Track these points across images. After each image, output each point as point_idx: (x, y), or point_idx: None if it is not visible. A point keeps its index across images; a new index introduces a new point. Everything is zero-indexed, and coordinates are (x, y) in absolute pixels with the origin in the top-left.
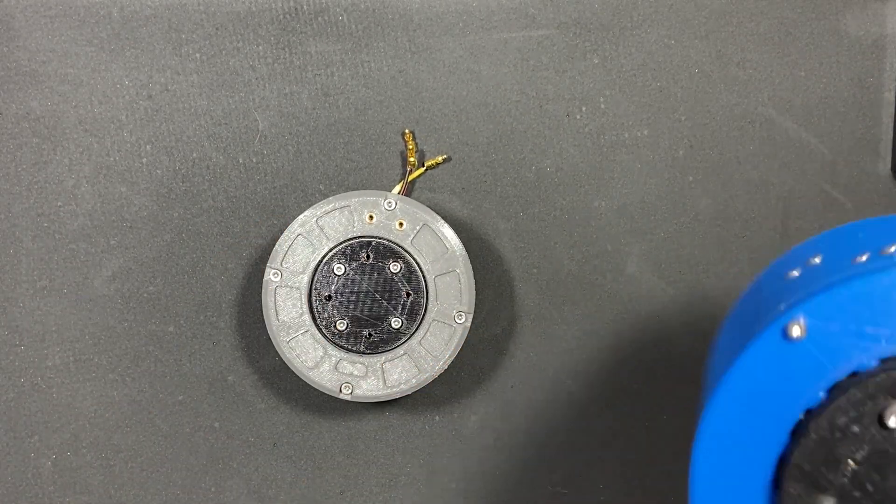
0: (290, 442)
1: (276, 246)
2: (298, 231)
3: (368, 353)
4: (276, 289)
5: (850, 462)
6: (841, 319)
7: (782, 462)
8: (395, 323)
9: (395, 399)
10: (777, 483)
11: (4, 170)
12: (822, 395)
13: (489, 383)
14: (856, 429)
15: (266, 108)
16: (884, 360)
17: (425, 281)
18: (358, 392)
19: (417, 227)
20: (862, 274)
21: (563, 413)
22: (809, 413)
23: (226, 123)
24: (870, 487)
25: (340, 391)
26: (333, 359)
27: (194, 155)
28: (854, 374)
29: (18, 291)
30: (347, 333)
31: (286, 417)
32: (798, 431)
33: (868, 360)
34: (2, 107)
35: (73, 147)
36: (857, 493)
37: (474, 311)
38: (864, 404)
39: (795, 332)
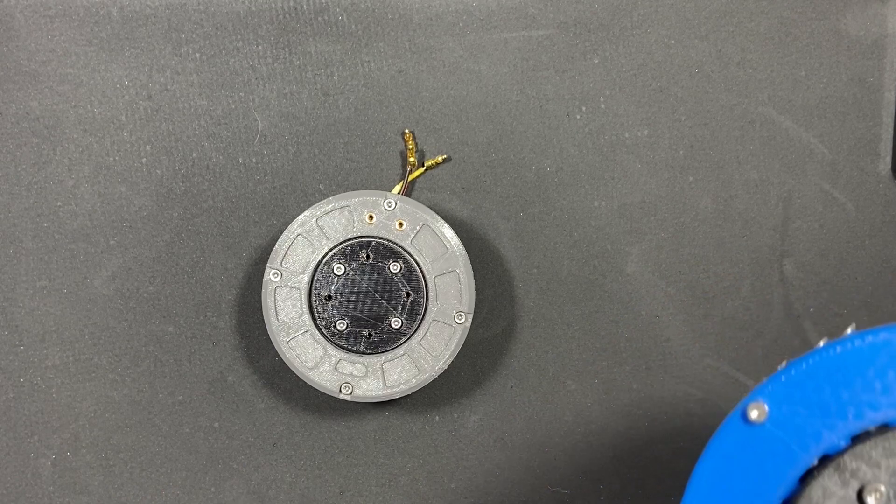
0: (290, 442)
1: (276, 246)
2: (298, 231)
3: (368, 353)
4: (275, 289)
5: None
6: (800, 399)
7: None
8: (395, 323)
9: (395, 399)
10: None
11: (4, 170)
12: (796, 481)
13: (489, 383)
14: None
15: (266, 108)
16: (854, 438)
17: (425, 281)
18: (358, 392)
19: (417, 227)
20: (814, 353)
21: (563, 413)
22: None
23: (226, 123)
24: None
25: (340, 391)
26: (333, 359)
27: (194, 155)
28: (825, 457)
29: (18, 291)
30: (347, 333)
31: (286, 417)
32: None
33: (837, 440)
34: (2, 107)
35: (73, 147)
36: None
37: (474, 311)
38: (841, 487)
39: (754, 414)
